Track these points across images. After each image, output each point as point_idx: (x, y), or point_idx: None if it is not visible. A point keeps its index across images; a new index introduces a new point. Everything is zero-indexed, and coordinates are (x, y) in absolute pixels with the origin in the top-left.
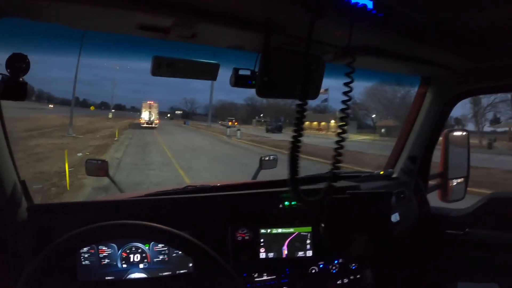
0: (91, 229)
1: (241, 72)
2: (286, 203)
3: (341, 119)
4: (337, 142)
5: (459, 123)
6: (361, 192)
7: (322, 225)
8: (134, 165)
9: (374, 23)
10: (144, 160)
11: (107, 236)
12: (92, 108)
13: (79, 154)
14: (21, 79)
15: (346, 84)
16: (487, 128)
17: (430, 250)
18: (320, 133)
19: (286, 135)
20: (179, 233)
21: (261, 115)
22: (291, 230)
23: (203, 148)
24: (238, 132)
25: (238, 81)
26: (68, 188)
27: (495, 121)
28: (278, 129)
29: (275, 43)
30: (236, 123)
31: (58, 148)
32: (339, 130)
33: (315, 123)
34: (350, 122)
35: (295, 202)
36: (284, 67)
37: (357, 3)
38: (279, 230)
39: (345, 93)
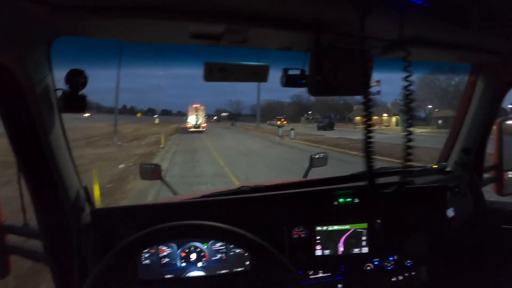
0: (154, 231)
1: (290, 72)
2: (341, 200)
3: (406, 113)
4: (406, 136)
5: None
6: (417, 187)
7: (378, 221)
8: (182, 178)
9: (421, 13)
10: (193, 171)
11: (170, 236)
12: (139, 114)
13: (121, 166)
14: (80, 92)
15: (406, 78)
16: None
17: (486, 247)
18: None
19: (339, 132)
20: (240, 231)
21: (309, 112)
22: (347, 227)
23: (256, 152)
24: (292, 131)
25: (289, 81)
26: None
27: None
28: (330, 126)
29: (324, 41)
30: (285, 122)
31: (101, 158)
32: (406, 125)
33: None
34: (403, 115)
35: (350, 199)
36: (334, 65)
37: None
38: (335, 227)
39: (406, 88)
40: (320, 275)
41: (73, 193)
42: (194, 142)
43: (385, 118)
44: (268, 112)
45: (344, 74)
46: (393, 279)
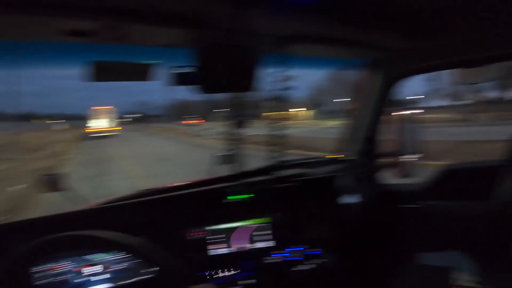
0: (36, 245)
1: (181, 70)
2: (233, 197)
3: (280, 108)
4: (276, 130)
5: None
6: (308, 179)
7: (271, 215)
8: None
9: (306, 10)
10: (108, 189)
11: (55, 250)
12: (40, 121)
13: (18, 187)
14: None
15: (281, 74)
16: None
17: (389, 227)
18: (289, 123)
19: (256, 129)
20: (131, 239)
21: (222, 110)
22: (239, 224)
23: (179, 156)
24: (209, 131)
25: (179, 79)
26: None
27: (458, 96)
28: (248, 123)
29: (210, 38)
30: (202, 121)
31: None
32: (278, 119)
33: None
34: (318, 109)
35: (241, 196)
36: (223, 62)
37: None
38: (226, 225)
39: (281, 82)
40: (222, 274)
41: None
42: (105, 149)
43: (300, 112)
44: (180, 111)
45: (229, 71)
46: (304, 269)
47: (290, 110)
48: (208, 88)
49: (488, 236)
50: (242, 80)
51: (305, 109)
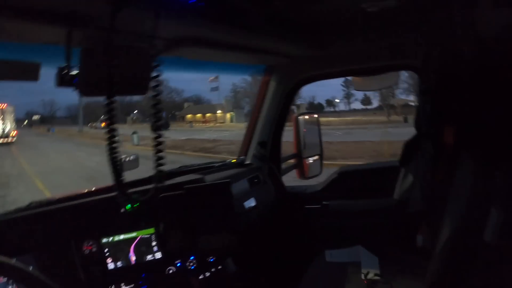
0: None
1: (65, 70)
2: (128, 206)
3: (154, 114)
4: (155, 137)
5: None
6: (198, 185)
7: (161, 224)
8: None
9: (195, 13)
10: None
11: None
12: None
13: None
14: None
15: (153, 78)
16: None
17: (292, 227)
18: (206, 125)
19: (180, 132)
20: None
21: (135, 112)
22: (134, 234)
23: (103, 172)
24: (135, 136)
25: (63, 80)
26: None
27: (366, 101)
28: (165, 126)
29: (91, 38)
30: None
31: None
32: (156, 126)
33: (199, 115)
34: (237, 111)
35: (137, 204)
36: (104, 63)
37: None
38: (121, 237)
39: (153, 88)
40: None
41: None
42: (2, 163)
43: (220, 114)
44: (88, 113)
45: (123, 73)
46: (200, 277)
47: (206, 113)
48: (87, 90)
49: (388, 231)
50: (135, 82)
51: (221, 111)
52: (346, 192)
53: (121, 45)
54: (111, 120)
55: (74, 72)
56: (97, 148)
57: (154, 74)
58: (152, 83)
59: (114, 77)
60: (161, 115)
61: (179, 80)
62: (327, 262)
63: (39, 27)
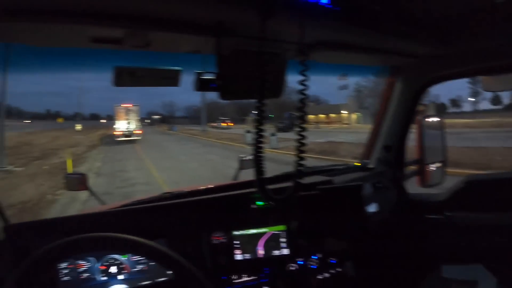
0: (62, 244)
1: (205, 76)
2: (259, 203)
3: (299, 115)
4: (298, 138)
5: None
6: (330, 187)
7: (293, 222)
8: None
9: (331, 17)
10: None
11: (80, 249)
12: (60, 120)
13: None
14: None
15: (301, 82)
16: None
17: (411, 237)
18: (331, 127)
19: (310, 134)
20: (145, 242)
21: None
22: (265, 229)
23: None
24: (273, 138)
25: (201, 85)
26: None
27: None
28: (291, 127)
29: (233, 45)
30: (231, 124)
31: None
32: (300, 127)
33: (322, 116)
34: (364, 112)
35: (264, 202)
36: (243, 68)
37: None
38: (252, 231)
39: (300, 92)
40: (244, 279)
41: None
42: (126, 162)
43: (345, 115)
44: (207, 113)
45: (252, 78)
46: (319, 277)
47: (330, 114)
48: (227, 94)
49: None
50: (266, 86)
51: (346, 112)
52: (473, 204)
53: (257, 51)
54: (260, 122)
55: (211, 77)
56: (227, 150)
57: (300, 78)
58: (299, 87)
59: (251, 81)
60: (305, 118)
61: (293, 81)
62: (442, 277)
63: (185, 38)
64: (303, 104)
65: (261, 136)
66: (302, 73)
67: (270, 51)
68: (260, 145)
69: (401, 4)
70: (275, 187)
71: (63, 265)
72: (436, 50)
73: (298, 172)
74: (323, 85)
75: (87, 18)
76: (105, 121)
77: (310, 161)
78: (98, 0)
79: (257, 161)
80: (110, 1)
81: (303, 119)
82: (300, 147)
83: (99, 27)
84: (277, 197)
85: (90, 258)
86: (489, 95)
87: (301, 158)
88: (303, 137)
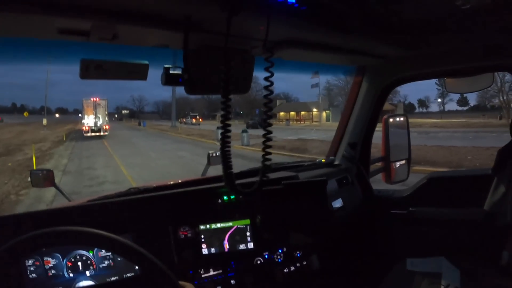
0: (26, 238)
1: (172, 70)
2: (225, 197)
3: (265, 112)
4: (264, 134)
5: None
6: (295, 182)
7: (259, 217)
8: None
9: (298, 16)
10: None
11: (45, 244)
12: (26, 114)
13: None
14: None
15: (266, 79)
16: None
17: (376, 231)
18: (301, 124)
19: (280, 131)
20: (110, 236)
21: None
22: (230, 224)
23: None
24: (244, 135)
25: (168, 79)
26: None
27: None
28: (261, 124)
29: (201, 40)
30: (201, 120)
31: None
32: (265, 123)
33: (292, 113)
34: (334, 109)
35: (233, 197)
36: (210, 64)
37: None
38: (218, 225)
39: (266, 88)
40: (212, 273)
41: None
42: (94, 159)
43: (315, 113)
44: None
45: (218, 73)
46: (285, 270)
47: (300, 111)
48: (192, 89)
49: (474, 243)
50: (232, 82)
51: (316, 110)
52: (435, 199)
53: (226, 47)
54: (226, 117)
55: (178, 72)
56: (199, 147)
57: (267, 75)
58: (265, 83)
59: (215, 77)
60: (271, 114)
61: (262, 78)
62: (407, 270)
63: (153, 32)
64: (269, 100)
65: (228, 131)
66: (267, 69)
67: (237, 47)
68: (227, 139)
69: (367, 6)
70: (242, 182)
71: (30, 261)
72: (402, 52)
73: (264, 167)
74: (293, 83)
75: (54, 9)
76: (73, 115)
77: (282, 158)
78: None
79: (225, 156)
80: None
81: (269, 116)
82: (266, 142)
83: (66, 18)
84: (244, 190)
85: (57, 255)
86: (456, 96)
87: (268, 153)
88: (269, 132)
